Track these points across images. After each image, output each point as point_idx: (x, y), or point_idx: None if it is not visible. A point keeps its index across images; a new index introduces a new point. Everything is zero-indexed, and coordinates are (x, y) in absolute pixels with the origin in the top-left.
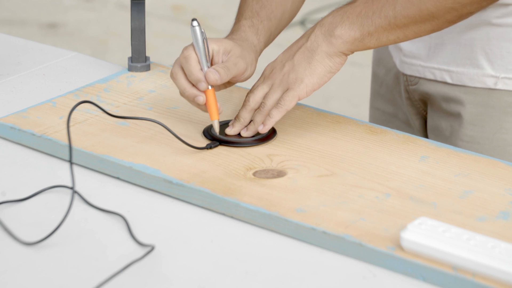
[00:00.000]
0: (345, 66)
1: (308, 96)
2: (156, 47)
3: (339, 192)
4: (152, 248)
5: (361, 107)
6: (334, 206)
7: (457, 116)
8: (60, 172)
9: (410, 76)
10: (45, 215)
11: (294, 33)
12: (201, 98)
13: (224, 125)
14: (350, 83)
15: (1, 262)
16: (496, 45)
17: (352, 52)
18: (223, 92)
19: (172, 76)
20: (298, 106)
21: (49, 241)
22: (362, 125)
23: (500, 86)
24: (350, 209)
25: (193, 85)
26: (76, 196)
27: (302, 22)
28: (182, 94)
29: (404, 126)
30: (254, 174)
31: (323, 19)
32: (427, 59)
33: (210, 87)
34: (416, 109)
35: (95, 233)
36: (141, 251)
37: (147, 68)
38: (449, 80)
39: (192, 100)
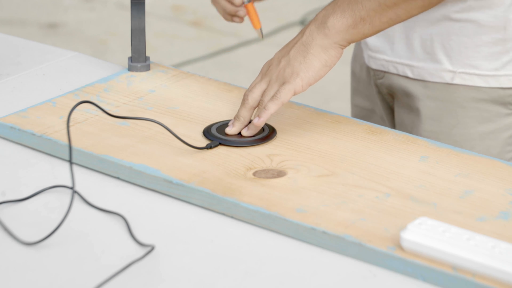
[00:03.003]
0: (345, 66)
1: (304, 91)
2: (156, 47)
3: (339, 192)
4: (152, 248)
5: None
6: (334, 206)
7: (416, 110)
8: (60, 172)
9: (376, 70)
10: (45, 215)
11: (294, 33)
12: (242, 12)
13: (224, 125)
14: (350, 83)
15: (1, 262)
16: (455, 40)
17: (349, 43)
18: (223, 92)
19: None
20: (298, 106)
21: (49, 241)
22: (362, 125)
23: (457, 81)
24: (350, 209)
25: (232, 4)
26: (76, 196)
27: (302, 22)
28: (224, 14)
29: (381, 121)
30: (254, 174)
31: (317, 14)
32: (391, 53)
33: (246, 1)
34: (386, 103)
35: (95, 233)
36: (141, 251)
37: (147, 68)
38: (410, 75)
39: (234, 15)
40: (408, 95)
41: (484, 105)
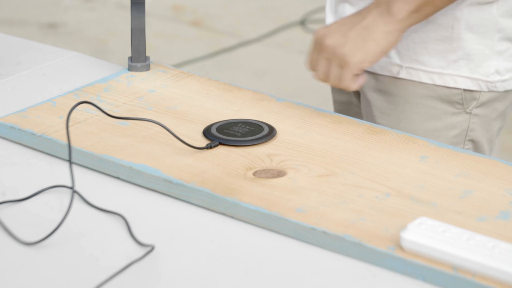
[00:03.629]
0: None
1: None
2: (156, 47)
3: (339, 192)
4: (152, 248)
5: None
6: (334, 206)
7: (369, 103)
8: (60, 172)
9: None
10: (45, 215)
11: (294, 33)
12: None
13: (224, 125)
14: None
15: (1, 262)
16: (404, 35)
17: (408, 28)
18: (223, 92)
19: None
20: (298, 106)
21: (49, 241)
22: (362, 125)
23: (403, 75)
24: (350, 209)
25: None
26: (76, 196)
27: (302, 22)
28: None
29: (359, 110)
30: (254, 174)
31: None
32: None
33: None
34: (357, 93)
35: (95, 233)
36: (141, 251)
37: (147, 68)
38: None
39: None
40: (364, 87)
41: (430, 102)
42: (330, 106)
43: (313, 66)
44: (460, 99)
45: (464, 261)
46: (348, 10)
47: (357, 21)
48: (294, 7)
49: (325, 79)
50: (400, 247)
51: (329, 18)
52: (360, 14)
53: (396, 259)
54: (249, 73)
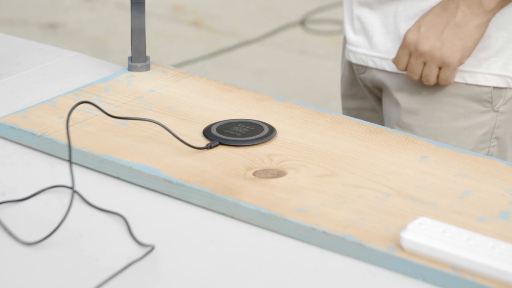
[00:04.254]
0: None
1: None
2: (156, 47)
3: (339, 192)
4: (152, 248)
5: None
6: (334, 206)
7: (396, 103)
8: (60, 172)
9: (357, 65)
10: (45, 215)
11: (294, 33)
12: None
13: (224, 125)
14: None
15: (1, 262)
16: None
17: (494, 15)
18: (223, 92)
19: None
20: (298, 106)
21: (49, 241)
22: (362, 125)
23: None
24: (350, 209)
25: None
26: (76, 196)
27: (302, 22)
28: None
29: (372, 113)
30: (254, 174)
31: None
32: (369, 48)
33: None
34: (375, 95)
35: (95, 233)
36: (141, 251)
37: (147, 68)
38: (388, 69)
39: None
40: (387, 88)
41: (460, 101)
42: (330, 106)
43: (407, 68)
44: (490, 97)
45: (464, 261)
46: (368, 14)
47: (447, 19)
48: (294, 7)
49: (424, 80)
50: (400, 247)
51: (347, 22)
52: (446, 9)
53: (396, 259)
54: (249, 73)
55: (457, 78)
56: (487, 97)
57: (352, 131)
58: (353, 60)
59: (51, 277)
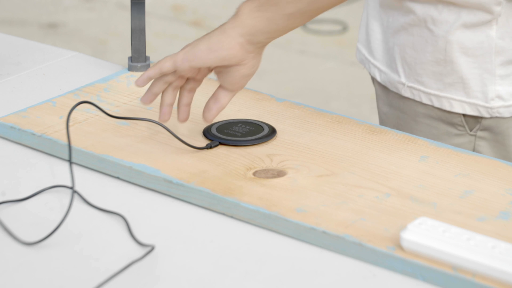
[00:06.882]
0: (345, 66)
1: None
2: (156, 47)
3: (339, 192)
4: (152, 248)
5: (361, 107)
6: (334, 206)
7: (387, 118)
8: (60, 172)
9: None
10: (45, 215)
11: (294, 33)
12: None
13: (224, 125)
14: (350, 83)
15: (1, 262)
16: (408, 53)
17: None
18: None
19: None
20: (298, 106)
21: (49, 241)
22: (362, 125)
23: (406, 94)
24: (350, 209)
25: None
26: (76, 196)
27: None
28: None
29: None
30: (254, 174)
31: None
32: (368, 53)
33: None
34: None
35: (95, 233)
36: (141, 251)
37: (147, 68)
38: (378, 78)
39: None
40: (382, 102)
41: (433, 123)
42: (330, 106)
43: None
44: (461, 121)
45: (464, 261)
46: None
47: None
48: None
49: None
50: (400, 247)
51: (362, 34)
52: None
53: (396, 259)
54: None
55: (426, 100)
56: (457, 121)
57: (352, 131)
58: (357, 57)
59: (51, 277)
